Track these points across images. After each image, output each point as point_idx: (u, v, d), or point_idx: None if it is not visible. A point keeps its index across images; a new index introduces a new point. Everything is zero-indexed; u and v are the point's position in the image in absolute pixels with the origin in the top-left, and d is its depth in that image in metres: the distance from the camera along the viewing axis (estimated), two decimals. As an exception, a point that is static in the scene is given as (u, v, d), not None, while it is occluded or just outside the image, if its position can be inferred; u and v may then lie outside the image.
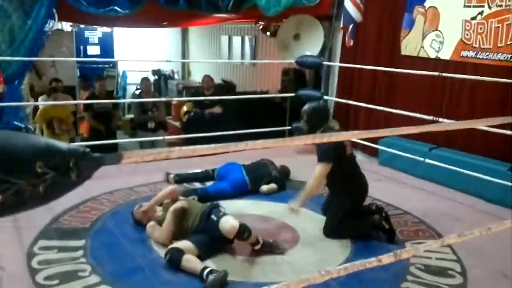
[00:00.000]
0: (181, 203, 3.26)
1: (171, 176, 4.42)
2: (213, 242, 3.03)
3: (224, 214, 3.07)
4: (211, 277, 2.63)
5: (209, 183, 4.37)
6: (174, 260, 2.80)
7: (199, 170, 4.56)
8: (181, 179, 4.42)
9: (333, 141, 3.16)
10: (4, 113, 4.78)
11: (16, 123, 4.68)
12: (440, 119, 4.33)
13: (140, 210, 3.38)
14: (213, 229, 3.00)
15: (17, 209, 1.00)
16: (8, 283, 2.57)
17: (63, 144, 1.05)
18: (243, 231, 2.92)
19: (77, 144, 1.12)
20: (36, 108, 5.90)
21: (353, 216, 3.38)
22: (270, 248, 3.08)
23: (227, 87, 8.82)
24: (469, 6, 4.63)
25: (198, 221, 3.12)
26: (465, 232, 1.74)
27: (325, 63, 5.87)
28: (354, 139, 5.21)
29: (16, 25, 4.63)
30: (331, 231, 3.36)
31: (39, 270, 2.75)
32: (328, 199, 3.66)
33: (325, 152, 3.26)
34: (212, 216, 3.06)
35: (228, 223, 2.93)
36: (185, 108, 7.62)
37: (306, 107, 3.53)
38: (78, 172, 1.06)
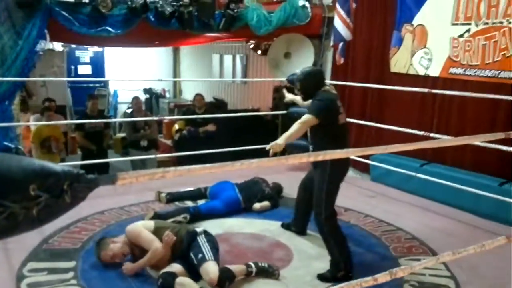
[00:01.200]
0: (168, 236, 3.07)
1: (163, 195, 4.39)
2: None
3: (203, 258, 2.88)
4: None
5: (201, 201, 4.35)
6: (166, 284, 2.75)
7: (191, 189, 4.54)
8: (172, 197, 4.39)
9: (326, 103, 3.11)
10: (-6, 133, 4.74)
11: (6, 143, 4.64)
12: (431, 135, 4.37)
13: (107, 254, 3.06)
14: (195, 267, 2.90)
15: (10, 233, 0.99)
16: (-3, 307, 2.52)
17: (57, 166, 1.05)
18: (223, 281, 2.79)
19: (70, 165, 1.12)
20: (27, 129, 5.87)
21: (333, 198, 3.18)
22: (265, 275, 2.99)
23: (219, 105, 8.85)
24: (457, 24, 4.72)
25: (177, 248, 3.03)
26: (460, 250, 1.75)
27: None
28: (346, 156, 5.24)
29: (7, 45, 4.63)
30: (316, 219, 3.20)
31: (29, 293, 2.70)
32: (309, 173, 3.54)
33: (316, 106, 3.08)
34: (192, 255, 2.93)
35: (207, 275, 2.80)
36: (176, 126, 7.61)
37: (298, 73, 3.32)
38: (72, 194, 1.06)
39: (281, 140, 3.00)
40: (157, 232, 3.07)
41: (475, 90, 4.38)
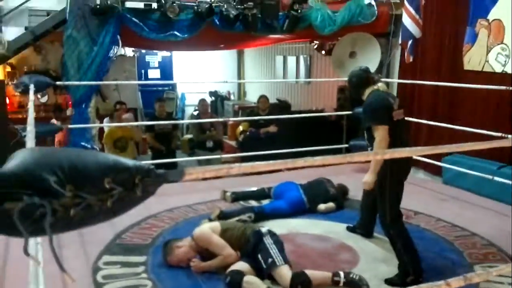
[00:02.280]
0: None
1: (228, 194, 4.46)
2: None
3: (273, 263, 2.86)
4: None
5: (265, 201, 4.36)
6: (234, 282, 2.78)
7: (255, 188, 4.57)
8: (237, 197, 4.45)
9: (377, 104, 3.02)
10: (72, 135, 5.07)
11: (83, 143, 4.93)
12: (509, 136, 4.09)
13: (173, 260, 3.09)
14: (263, 271, 2.90)
15: (86, 223, 1.04)
16: (74, 296, 2.67)
17: (129, 161, 1.09)
18: (295, 285, 2.76)
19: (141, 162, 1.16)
20: (101, 130, 6.20)
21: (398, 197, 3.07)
22: (354, 287, 2.82)
23: (282, 106, 8.85)
24: (537, 17, 4.39)
25: (243, 248, 3.04)
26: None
27: (383, 79, 5.75)
28: (416, 157, 5.04)
29: (83, 51, 4.94)
30: (382, 222, 3.10)
31: (104, 284, 2.85)
32: None
33: (375, 114, 3.02)
34: (260, 259, 2.92)
35: (280, 279, 2.81)
36: (241, 128, 7.71)
37: (350, 72, 3.34)
38: (143, 188, 1.09)
39: (371, 174, 3.00)
40: (224, 234, 3.10)
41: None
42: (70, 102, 6.08)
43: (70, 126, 4.94)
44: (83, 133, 5.03)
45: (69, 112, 6.41)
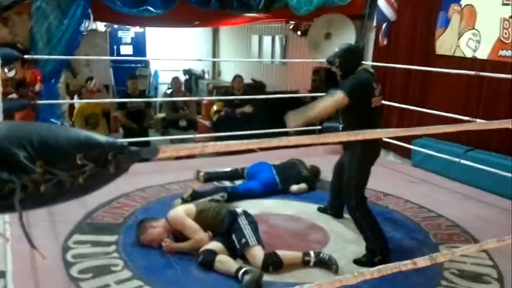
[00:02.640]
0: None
1: (201, 174, 4.45)
2: None
3: (247, 243, 2.90)
4: (246, 277, 2.62)
5: (238, 182, 4.38)
6: (207, 262, 2.80)
7: (228, 169, 4.57)
8: (210, 177, 4.44)
9: (361, 83, 2.99)
10: (41, 111, 4.92)
11: (52, 120, 4.80)
12: (477, 120, 4.20)
13: (146, 239, 3.07)
14: (236, 251, 2.93)
15: (58, 199, 1.02)
16: (43, 275, 2.64)
17: (102, 137, 1.07)
18: (267, 266, 2.80)
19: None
20: (71, 107, 6.05)
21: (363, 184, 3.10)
22: (323, 267, 2.89)
23: (257, 86, 8.82)
24: (508, 4, 4.48)
25: (217, 228, 3.05)
26: (505, 237, 1.68)
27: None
28: (386, 139, 5.13)
29: (53, 24, 4.76)
30: (347, 205, 3.15)
31: (74, 263, 2.82)
32: (340, 159, 3.51)
33: (349, 85, 2.96)
34: (234, 238, 2.94)
35: (252, 259, 2.84)
36: (215, 108, 7.67)
37: (337, 49, 3.22)
38: (116, 165, 1.07)
39: (300, 117, 2.92)
40: (200, 216, 3.10)
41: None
42: (39, 77, 5.89)
43: (39, 102, 4.79)
44: (52, 109, 4.90)
45: (37, 87, 6.21)
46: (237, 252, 2.93)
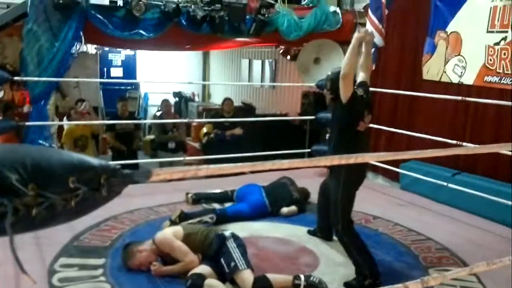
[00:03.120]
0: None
1: (190, 195, 4.42)
2: None
3: (236, 266, 2.87)
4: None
5: (227, 204, 4.36)
6: (196, 286, 2.76)
7: (218, 191, 4.56)
8: (199, 198, 4.42)
9: (355, 101, 3.02)
10: (30, 132, 4.88)
11: (40, 141, 4.77)
12: (464, 144, 4.27)
13: (134, 263, 3.03)
14: (226, 275, 2.91)
15: (49, 223, 1.01)
16: (29, 300, 2.58)
17: (95, 160, 1.07)
18: None
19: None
20: (60, 128, 6.01)
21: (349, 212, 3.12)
22: None
23: (247, 109, 8.88)
24: (492, 32, 4.60)
25: (205, 252, 3.02)
26: (495, 260, 1.69)
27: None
28: (375, 163, 5.17)
29: (44, 47, 4.78)
30: (334, 228, 3.17)
31: (60, 287, 2.76)
32: (325, 181, 3.54)
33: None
34: (223, 262, 2.92)
35: (242, 283, 2.82)
36: (204, 130, 7.67)
37: (329, 73, 3.27)
38: (108, 188, 1.07)
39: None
40: (187, 238, 3.06)
41: (511, 99, 4.26)
42: (27, 99, 5.87)
43: (27, 123, 4.76)
44: (41, 131, 4.87)
45: (26, 108, 6.18)
46: (226, 276, 2.90)
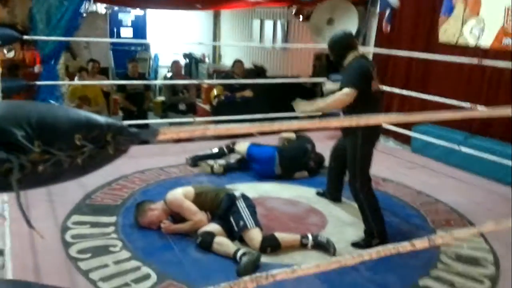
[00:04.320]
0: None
1: (187, 158, 4.41)
2: None
3: (245, 225, 2.91)
4: (244, 258, 2.64)
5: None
6: (205, 243, 2.82)
7: (216, 150, 4.52)
8: (196, 159, 4.40)
9: (362, 70, 3.00)
10: (40, 92, 4.90)
11: (51, 101, 4.79)
12: (479, 107, 4.19)
13: (144, 221, 3.09)
14: (234, 233, 2.95)
15: (56, 179, 1.01)
16: (42, 254, 2.66)
17: (101, 118, 1.06)
18: (265, 248, 2.82)
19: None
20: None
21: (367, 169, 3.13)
22: (321, 250, 2.91)
23: (258, 71, 8.78)
24: (513, -8, 4.43)
25: (217, 208, 3.06)
26: (503, 220, 1.68)
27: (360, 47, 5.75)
28: (386, 125, 5.12)
29: (53, 5, 4.72)
30: (351, 186, 3.16)
31: (72, 243, 2.84)
32: (337, 144, 3.55)
33: (354, 78, 2.98)
34: (232, 221, 2.96)
35: (250, 241, 2.87)
36: (215, 92, 7.63)
37: (329, 39, 3.25)
38: (115, 146, 1.07)
39: (315, 106, 3.02)
40: (198, 198, 3.10)
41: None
42: (38, 59, 5.86)
43: (38, 82, 4.77)
44: (51, 90, 4.88)
45: (37, 68, 6.19)
46: (235, 234, 2.95)
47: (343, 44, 3.14)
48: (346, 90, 2.95)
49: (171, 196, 3.10)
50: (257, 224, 2.96)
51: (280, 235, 2.93)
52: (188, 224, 3.01)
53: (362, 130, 2.97)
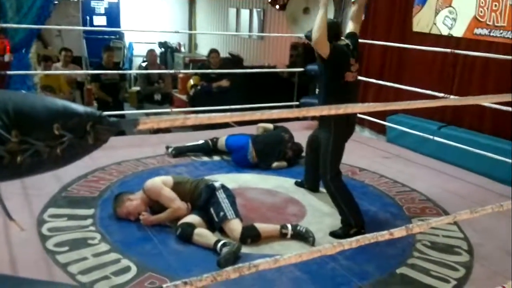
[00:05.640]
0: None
1: (170, 149, 4.38)
2: None
3: (225, 216, 2.92)
4: (225, 249, 2.64)
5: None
6: (185, 235, 2.81)
7: (200, 142, 4.51)
8: (179, 152, 4.38)
9: (338, 48, 3.00)
10: (11, 82, 4.77)
11: (23, 91, 4.66)
12: (451, 97, 4.28)
13: (122, 211, 3.04)
14: (214, 224, 2.95)
15: (35, 170, 0.99)
16: (19, 248, 2.60)
17: (80, 107, 1.04)
18: (245, 238, 2.83)
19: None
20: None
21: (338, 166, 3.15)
22: (300, 239, 2.93)
23: (234, 61, 8.74)
24: (485, -18, 4.51)
25: (195, 202, 3.05)
26: (478, 209, 1.73)
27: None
28: (361, 115, 5.18)
29: (23, -8, 4.58)
30: (322, 178, 3.20)
31: (49, 236, 2.78)
32: (313, 134, 3.56)
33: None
34: (212, 212, 2.96)
35: (231, 232, 2.87)
36: (191, 82, 7.57)
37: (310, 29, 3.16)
38: (95, 136, 1.05)
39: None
40: (177, 187, 3.09)
41: (499, 52, 4.24)
42: (8, 47, 5.68)
43: (9, 72, 4.63)
44: (23, 80, 4.75)
45: (7, 57, 5.99)
46: (215, 225, 2.95)
47: (331, 33, 3.07)
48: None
49: (150, 184, 3.08)
50: (237, 215, 2.97)
51: (260, 225, 2.94)
52: (167, 212, 2.99)
53: (335, 123, 3.01)
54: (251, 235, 2.86)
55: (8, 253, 2.55)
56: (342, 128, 3.10)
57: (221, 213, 2.93)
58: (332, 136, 3.07)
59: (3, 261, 2.45)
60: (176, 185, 3.10)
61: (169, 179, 3.14)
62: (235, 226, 2.89)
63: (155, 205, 3.07)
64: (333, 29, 3.11)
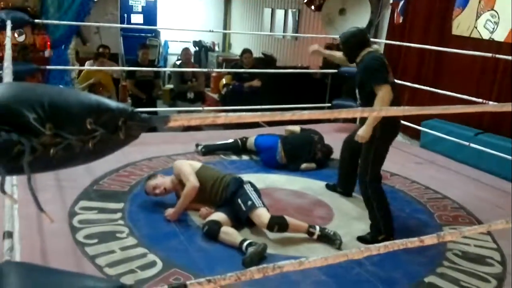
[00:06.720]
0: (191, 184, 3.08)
1: (200, 147, 4.41)
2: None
3: (253, 204, 2.94)
4: (250, 249, 2.64)
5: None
6: (212, 232, 2.83)
7: (230, 140, 4.52)
8: (208, 150, 4.40)
9: (379, 62, 2.96)
10: (50, 77, 4.92)
11: (61, 86, 4.80)
12: (490, 103, 4.14)
13: (151, 184, 3.18)
14: (241, 214, 2.97)
15: (67, 163, 1.01)
16: (50, 238, 2.67)
17: (112, 103, 1.05)
18: (272, 225, 2.84)
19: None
20: (81, 73, 6.02)
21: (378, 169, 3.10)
22: (327, 241, 2.91)
23: (267, 60, 8.73)
24: (529, -15, 4.35)
25: (221, 193, 3.08)
26: (513, 219, 1.66)
27: (371, 39, 5.69)
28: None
29: (64, -11, 4.71)
30: (361, 180, 3.13)
31: (80, 228, 2.85)
32: (351, 135, 3.47)
33: (377, 74, 2.91)
34: (239, 202, 2.98)
35: (258, 219, 2.89)
36: (224, 81, 7.62)
37: (341, 35, 3.21)
38: (126, 132, 1.06)
39: (366, 128, 2.89)
40: (201, 171, 3.16)
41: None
42: (48, 43, 5.86)
43: (48, 67, 4.77)
44: (61, 75, 4.90)
45: (47, 53, 6.18)
46: (243, 215, 2.96)
47: (357, 41, 3.09)
48: (380, 94, 2.84)
49: (178, 161, 3.28)
50: (265, 205, 3.00)
51: (289, 218, 2.93)
52: (182, 195, 3.05)
53: (381, 125, 2.92)
54: (279, 223, 2.86)
55: (40, 242, 2.62)
56: (388, 128, 3.01)
57: (249, 202, 2.96)
58: (377, 138, 2.99)
59: (35, 251, 2.53)
60: (203, 168, 3.20)
61: (197, 163, 3.30)
62: (263, 213, 2.91)
63: (180, 190, 3.13)
64: (359, 38, 3.10)
